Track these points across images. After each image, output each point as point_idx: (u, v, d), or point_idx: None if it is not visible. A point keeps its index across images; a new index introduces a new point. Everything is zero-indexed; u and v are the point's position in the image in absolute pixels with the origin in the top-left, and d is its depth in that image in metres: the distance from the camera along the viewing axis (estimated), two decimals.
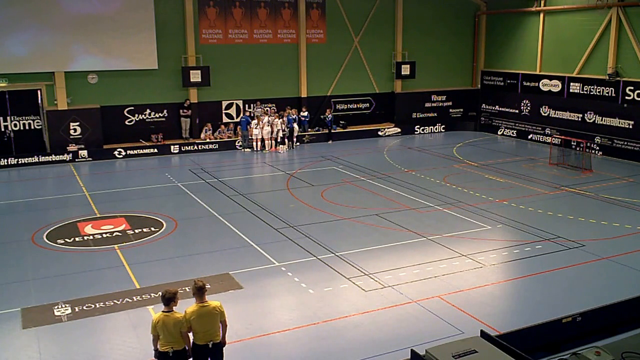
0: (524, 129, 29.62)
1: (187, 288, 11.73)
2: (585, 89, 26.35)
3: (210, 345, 7.99)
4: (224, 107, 27.89)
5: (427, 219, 16.60)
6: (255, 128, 26.50)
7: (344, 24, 29.52)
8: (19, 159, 23.79)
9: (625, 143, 24.61)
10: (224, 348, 8.27)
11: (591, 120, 26.11)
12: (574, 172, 22.32)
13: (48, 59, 24.09)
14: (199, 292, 8.01)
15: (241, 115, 27.69)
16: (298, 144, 27.88)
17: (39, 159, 24.07)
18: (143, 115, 26.38)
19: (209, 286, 10.03)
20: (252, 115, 27.65)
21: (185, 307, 8.12)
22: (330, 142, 28.80)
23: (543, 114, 28.53)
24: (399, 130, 30.90)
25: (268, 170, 23.65)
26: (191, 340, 8.05)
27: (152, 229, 15.86)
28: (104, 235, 15.31)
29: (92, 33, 24.57)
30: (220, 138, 27.33)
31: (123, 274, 12.88)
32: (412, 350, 8.15)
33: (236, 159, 25.42)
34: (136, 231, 15.64)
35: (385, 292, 11.84)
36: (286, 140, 27.10)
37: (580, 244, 14.53)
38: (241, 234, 15.39)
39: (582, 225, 16.09)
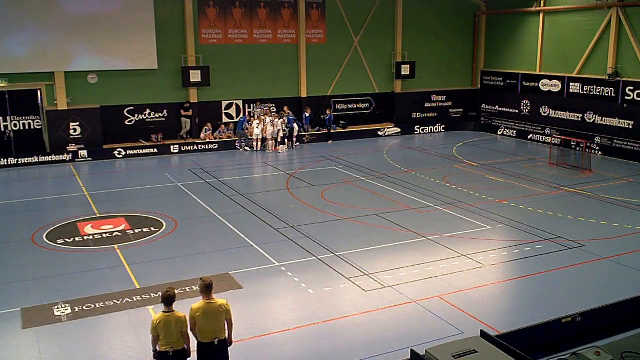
0: (524, 129, 29.62)
1: (187, 288, 11.76)
2: (585, 89, 26.35)
3: (216, 343, 7.99)
4: (223, 107, 27.89)
5: (427, 219, 16.61)
6: (257, 128, 26.50)
7: (344, 24, 29.51)
8: (19, 159, 23.78)
9: (625, 143, 24.61)
10: (230, 348, 8.25)
11: (591, 120, 26.11)
12: (574, 172, 22.32)
13: (48, 59, 24.07)
14: (207, 289, 8.01)
15: (241, 115, 27.72)
16: (298, 144, 27.87)
17: (38, 159, 24.06)
18: (143, 115, 26.38)
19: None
20: (252, 114, 27.66)
21: (185, 307, 8.12)
22: (330, 142, 28.80)
23: (543, 114, 28.53)
24: (399, 130, 30.90)
25: (268, 170, 23.65)
26: (192, 340, 8.05)
27: (152, 229, 15.87)
28: (104, 235, 15.31)
29: (92, 33, 24.55)
30: (220, 138, 27.33)
31: (123, 274, 12.88)
32: (412, 350, 8.16)
33: (236, 159, 25.42)
34: (136, 231, 15.64)
35: (385, 292, 11.84)
36: (286, 140, 27.10)
37: (580, 244, 14.53)
38: (241, 234, 15.39)
39: (582, 225, 16.09)
